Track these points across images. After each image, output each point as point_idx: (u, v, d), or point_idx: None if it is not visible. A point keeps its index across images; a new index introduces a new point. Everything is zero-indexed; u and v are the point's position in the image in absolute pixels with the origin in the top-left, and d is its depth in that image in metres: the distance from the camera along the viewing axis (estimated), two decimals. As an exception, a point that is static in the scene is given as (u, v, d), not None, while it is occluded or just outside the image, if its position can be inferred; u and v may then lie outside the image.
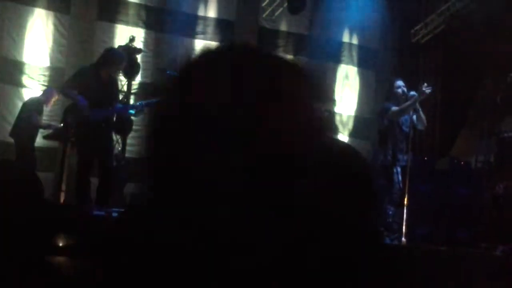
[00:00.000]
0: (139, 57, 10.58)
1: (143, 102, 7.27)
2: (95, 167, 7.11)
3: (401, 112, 7.40)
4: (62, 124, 8.57)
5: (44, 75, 10.60)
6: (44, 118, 9.78)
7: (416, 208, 7.58)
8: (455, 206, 8.52)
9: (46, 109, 9.83)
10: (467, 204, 8.56)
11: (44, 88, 10.11)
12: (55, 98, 9.73)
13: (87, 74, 6.92)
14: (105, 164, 6.94)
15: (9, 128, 9.52)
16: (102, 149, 6.88)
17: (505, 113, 9.89)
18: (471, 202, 8.61)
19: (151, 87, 10.82)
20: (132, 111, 8.13)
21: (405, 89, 7.52)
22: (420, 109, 7.53)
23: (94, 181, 7.09)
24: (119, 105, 7.27)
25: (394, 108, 7.39)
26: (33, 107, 9.43)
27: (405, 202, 6.99)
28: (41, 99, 9.64)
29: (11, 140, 9.44)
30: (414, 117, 7.41)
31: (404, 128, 7.59)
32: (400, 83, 7.63)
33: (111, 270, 1.18)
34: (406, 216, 6.90)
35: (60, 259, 4.22)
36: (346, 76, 12.86)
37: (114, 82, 7.16)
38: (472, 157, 10.02)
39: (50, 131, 9.20)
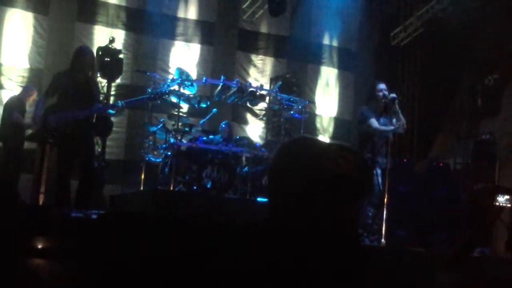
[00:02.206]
0: (120, 58, 10.54)
1: (123, 102, 7.23)
2: (75, 169, 7.07)
3: (380, 132, 7.44)
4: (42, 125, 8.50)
5: (22, 76, 10.51)
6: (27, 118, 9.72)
7: (396, 209, 7.63)
8: (434, 208, 8.59)
9: (30, 109, 9.76)
10: (445, 205, 8.63)
11: (24, 88, 9.99)
12: (34, 95, 9.66)
13: (61, 79, 6.91)
14: (85, 166, 6.89)
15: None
16: (83, 150, 6.84)
17: (482, 115, 10.00)
18: (450, 203, 8.68)
19: (130, 89, 10.79)
20: (111, 111, 8.10)
21: (386, 93, 7.53)
22: (399, 111, 7.55)
23: (73, 183, 7.04)
24: (99, 105, 7.21)
25: (375, 125, 7.40)
26: (13, 105, 9.35)
27: (385, 204, 7.02)
28: (21, 97, 9.54)
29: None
30: (394, 120, 7.43)
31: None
32: (382, 86, 7.62)
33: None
34: (385, 218, 6.94)
35: (38, 261, 4.18)
36: (327, 78, 12.91)
37: (92, 83, 7.11)
38: (450, 159, 10.11)
39: (30, 131, 9.13)
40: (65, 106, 6.78)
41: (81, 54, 7.10)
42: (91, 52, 7.43)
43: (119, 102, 7.44)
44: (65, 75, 7.00)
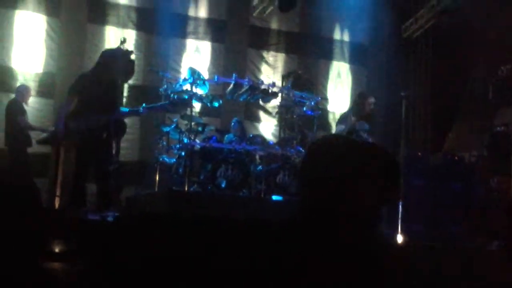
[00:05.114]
0: (132, 59, 10.54)
1: (146, 107, 7.22)
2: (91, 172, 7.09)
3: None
4: (54, 128, 8.54)
5: (35, 80, 10.55)
6: (37, 122, 9.76)
7: (411, 204, 7.60)
8: (450, 201, 8.53)
9: (41, 112, 9.80)
10: (461, 199, 8.58)
11: (18, 89, 9.91)
12: (30, 94, 9.68)
13: (86, 81, 6.84)
14: (102, 168, 6.89)
15: (2, 135, 9.47)
16: (100, 154, 6.83)
17: (496, 106, 9.91)
18: (466, 197, 8.62)
19: (142, 89, 10.80)
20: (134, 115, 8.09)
21: (372, 107, 8.20)
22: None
23: (91, 186, 7.07)
24: (125, 109, 7.16)
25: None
26: (13, 108, 9.36)
27: (401, 198, 6.99)
28: (19, 99, 9.53)
29: (5, 147, 9.39)
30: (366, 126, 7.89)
31: (361, 133, 8.27)
32: (372, 100, 8.22)
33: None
34: (401, 212, 6.91)
35: (56, 264, 4.20)
36: (338, 74, 12.88)
37: (116, 85, 7.04)
38: (465, 151, 10.04)
39: (43, 135, 9.14)
40: (87, 110, 6.73)
41: (111, 55, 7.03)
42: (121, 55, 7.32)
43: (140, 108, 7.40)
44: (90, 77, 6.93)
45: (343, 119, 8.30)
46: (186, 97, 8.21)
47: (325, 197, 1.65)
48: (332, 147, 1.72)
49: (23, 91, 9.62)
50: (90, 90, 6.76)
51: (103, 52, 7.25)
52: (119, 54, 7.24)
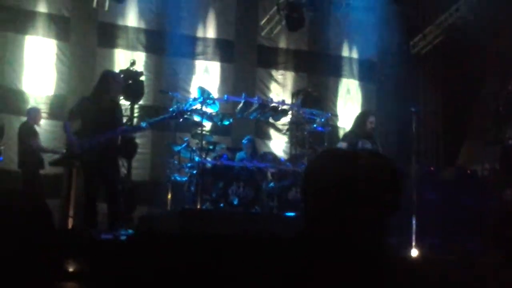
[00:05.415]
0: (142, 80, 10.65)
1: (147, 123, 7.28)
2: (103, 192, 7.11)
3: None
4: (65, 150, 8.58)
5: (46, 103, 10.64)
6: (49, 144, 9.82)
7: (425, 218, 7.57)
8: (463, 215, 8.49)
9: (53, 134, 9.84)
10: (475, 212, 8.53)
11: (29, 112, 9.90)
12: (41, 115, 9.75)
13: (86, 103, 6.94)
14: (111, 188, 6.93)
15: (15, 158, 9.52)
16: (108, 173, 6.87)
17: (507, 119, 9.88)
18: (479, 210, 8.57)
19: (153, 109, 10.86)
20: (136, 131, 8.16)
21: (373, 125, 8.21)
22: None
23: (103, 206, 7.09)
24: (121, 128, 7.21)
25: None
26: (25, 131, 9.42)
27: (414, 213, 6.98)
28: (31, 122, 9.60)
29: (18, 169, 9.44)
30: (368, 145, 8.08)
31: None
32: (372, 119, 8.26)
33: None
34: (415, 227, 6.89)
35: (71, 284, 4.20)
36: (348, 90, 12.90)
37: (116, 107, 7.14)
38: (478, 165, 10.00)
39: (55, 156, 9.19)
40: (89, 131, 6.82)
41: (109, 77, 7.16)
42: (119, 76, 7.45)
43: (142, 123, 7.48)
44: (90, 100, 7.05)
45: (345, 137, 8.42)
46: (186, 108, 8.27)
47: (328, 206, 1.65)
48: (334, 157, 1.73)
49: (33, 114, 9.69)
50: (91, 111, 6.85)
51: (101, 74, 7.34)
52: (117, 75, 7.34)
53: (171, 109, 8.83)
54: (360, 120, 8.38)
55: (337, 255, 1.62)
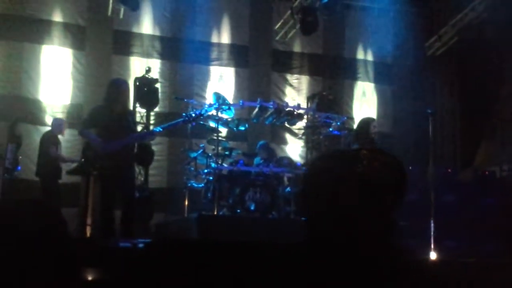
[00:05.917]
0: (157, 87, 10.69)
1: (160, 128, 7.31)
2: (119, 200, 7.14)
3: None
4: (83, 159, 8.63)
5: (63, 112, 10.72)
6: (65, 153, 9.88)
7: (443, 220, 7.51)
8: (483, 217, 8.42)
9: (69, 143, 9.90)
10: (494, 214, 8.46)
11: (53, 122, 10.04)
12: (65, 125, 9.82)
13: (99, 112, 6.98)
14: (127, 196, 6.94)
15: (33, 167, 9.59)
16: (124, 181, 6.89)
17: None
18: (498, 211, 8.50)
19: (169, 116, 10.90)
20: (149, 137, 8.19)
21: (376, 130, 8.20)
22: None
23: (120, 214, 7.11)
24: (134, 135, 7.24)
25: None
26: (48, 140, 9.50)
27: (432, 215, 6.92)
28: (54, 131, 9.68)
29: (36, 178, 9.51)
30: None
31: None
32: (375, 124, 8.26)
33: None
34: (433, 229, 6.84)
35: (89, 293, 4.21)
36: (363, 93, 12.86)
37: (129, 114, 7.16)
38: (496, 166, 9.92)
39: (72, 165, 9.25)
40: (103, 139, 6.86)
41: (115, 86, 7.19)
42: (125, 83, 7.50)
43: (156, 128, 7.51)
44: (103, 108, 7.09)
45: (356, 139, 8.41)
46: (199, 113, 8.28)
47: (329, 207, 1.64)
48: (334, 157, 1.72)
49: (57, 124, 9.80)
50: (104, 120, 6.88)
51: (108, 83, 7.38)
52: (121, 82, 7.37)
53: (183, 114, 8.87)
54: (363, 125, 8.35)
55: (340, 258, 1.61)
